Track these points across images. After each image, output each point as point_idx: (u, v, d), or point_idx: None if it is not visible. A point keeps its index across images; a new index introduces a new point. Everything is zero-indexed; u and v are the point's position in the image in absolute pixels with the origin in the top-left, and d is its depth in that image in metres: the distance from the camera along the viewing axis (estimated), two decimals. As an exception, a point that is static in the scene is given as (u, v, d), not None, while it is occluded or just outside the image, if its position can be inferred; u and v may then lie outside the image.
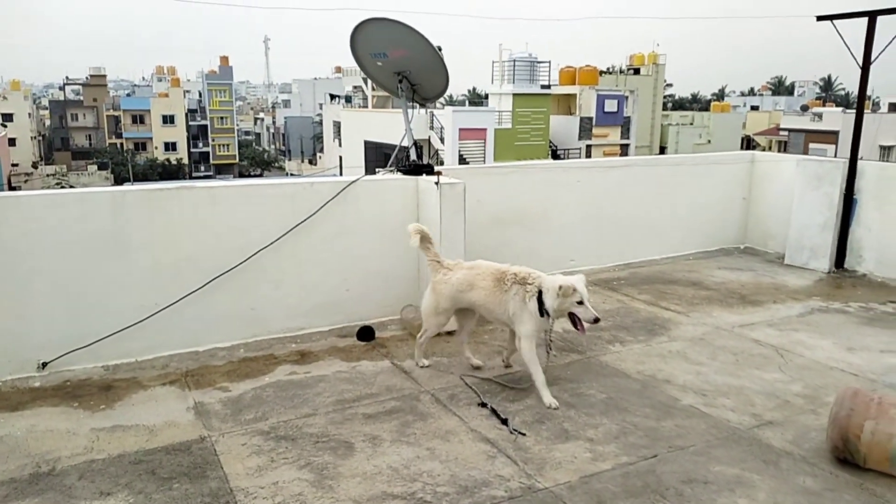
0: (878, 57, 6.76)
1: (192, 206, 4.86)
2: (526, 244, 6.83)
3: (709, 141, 52.47)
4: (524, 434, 3.73)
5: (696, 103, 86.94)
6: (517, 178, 6.86)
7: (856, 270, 7.05)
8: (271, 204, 5.12)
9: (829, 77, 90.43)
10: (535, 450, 3.59)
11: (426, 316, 4.59)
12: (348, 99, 58.38)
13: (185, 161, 68.97)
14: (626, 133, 37.86)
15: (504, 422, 3.85)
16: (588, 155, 35.19)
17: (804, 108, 55.30)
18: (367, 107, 50.18)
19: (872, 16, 6.68)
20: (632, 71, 49.50)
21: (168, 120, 68.92)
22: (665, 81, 57.41)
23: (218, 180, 32.66)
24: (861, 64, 6.79)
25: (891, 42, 6.58)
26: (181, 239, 4.82)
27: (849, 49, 6.81)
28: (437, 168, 5.67)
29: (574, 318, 4.04)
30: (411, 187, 5.51)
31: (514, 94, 34.10)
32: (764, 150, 48.71)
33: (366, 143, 33.93)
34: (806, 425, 3.85)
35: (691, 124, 55.41)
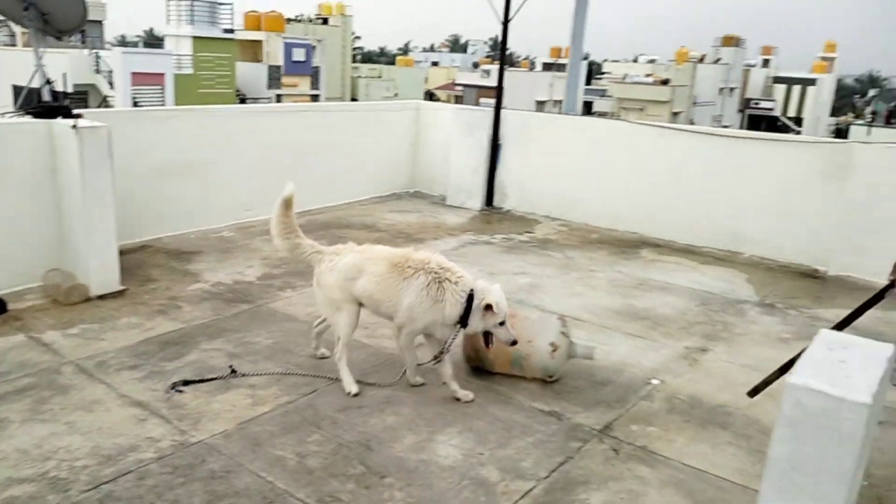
0: (515, 14, 7.61)
1: None
2: (196, 196, 6.52)
3: (396, 94, 55.01)
4: (181, 391, 3.59)
5: (383, 56, 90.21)
6: (184, 124, 6.43)
7: (502, 207, 8.03)
8: None
9: (497, 37, 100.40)
10: (191, 405, 3.47)
11: (328, 317, 3.74)
12: (-11, 35, 48.89)
13: None
14: (315, 83, 37.80)
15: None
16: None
17: (475, 66, 60.77)
18: (15, 45, 42.61)
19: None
20: (321, 20, 49.29)
21: None
22: (353, 34, 58.42)
23: None
24: (502, 20, 7.60)
25: (525, 2, 7.49)
26: None
27: (492, 7, 7.58)
28: (76, 111, 5.04)
29: (487, 336, 3.49)
30: (42, 132, 4.80)
31: (194, 38, 31.73)
32: (444, 101, 52.73)
33: (15, 87, 28.94)
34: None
35: (379, 77, 57.34)
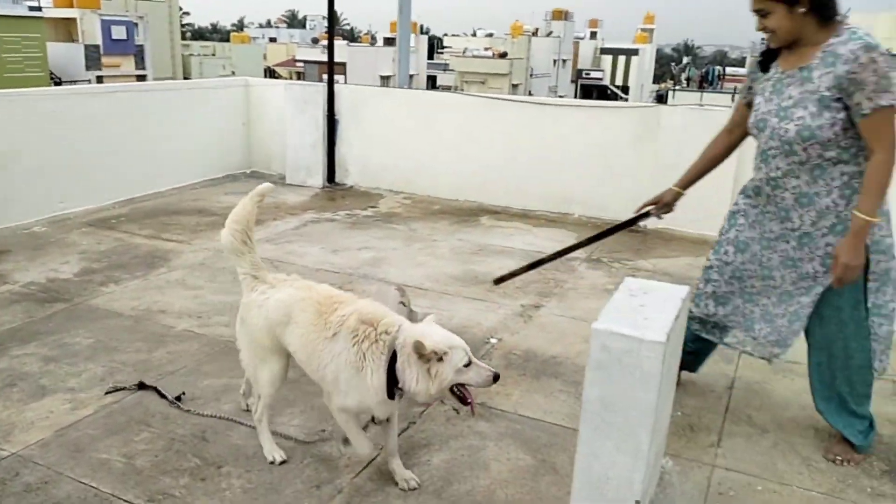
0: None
1: None
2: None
3: (233, 72, 52.43)
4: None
5: (216, 33, 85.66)
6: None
7: (344, 183, 7.95)
8: None
9: (335, 12, 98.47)
10: (2, 416, 3.16)
11: (247, 367, 2.92)
12: None
13: None
14: (141, 63, 35.16)
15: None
16: (99, 88, 31.76)
17: (315, 41, 59.30)
18: None
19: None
20: (140, -5, 45.77)
21: None
22: (181, 9, 54.90)
23: None
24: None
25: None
26: None
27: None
28: None
29: (461, 391, 2.49)
30: None
31: (-7, 16, 28.40)
32: (286, 79, 51.07)
33: None
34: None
35: (213, 55, 54.39)
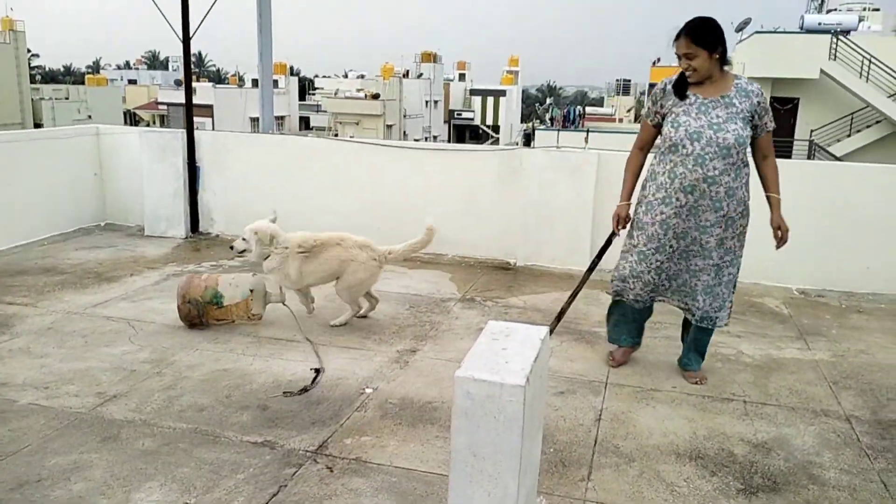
0: (195, 32, 7.26)
1: None
2: None
3: (89, 117, 49.58)
4: None
5: (70, 76, 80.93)
6: None
7: (210, 232, 7.64)
8: None
9: (200, 53, 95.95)
10: None
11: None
12: None
13: None
14: (-18, 108, 32.50)
15: None
16: (-68, 135, 28.96)
17: (178, 83, 57.36)
18: None
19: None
20: (-21, 37, 42.61)
21: None
22: (29, 51, 51.52)
23: None
24: (181, 38, 7.20)
25: (205, 16, 7.19)
26: None
27: (169, 24, 7.15)
28: None
29: None
30: None
31: None
32: (148, 124, 48.89)
33: None
34: (150, 389, 3.96)
35: (66, 98, 51.31)
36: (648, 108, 4.03)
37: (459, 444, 2.33)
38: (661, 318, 5.09)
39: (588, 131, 20.80)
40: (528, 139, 27.72)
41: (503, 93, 55.03)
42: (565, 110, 35.31)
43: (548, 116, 36.64)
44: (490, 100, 54.63)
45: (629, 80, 52.47)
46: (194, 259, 6.72)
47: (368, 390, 4.05)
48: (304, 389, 3.97)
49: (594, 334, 4.98)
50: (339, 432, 3.56)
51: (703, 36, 3.66)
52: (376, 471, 3.22)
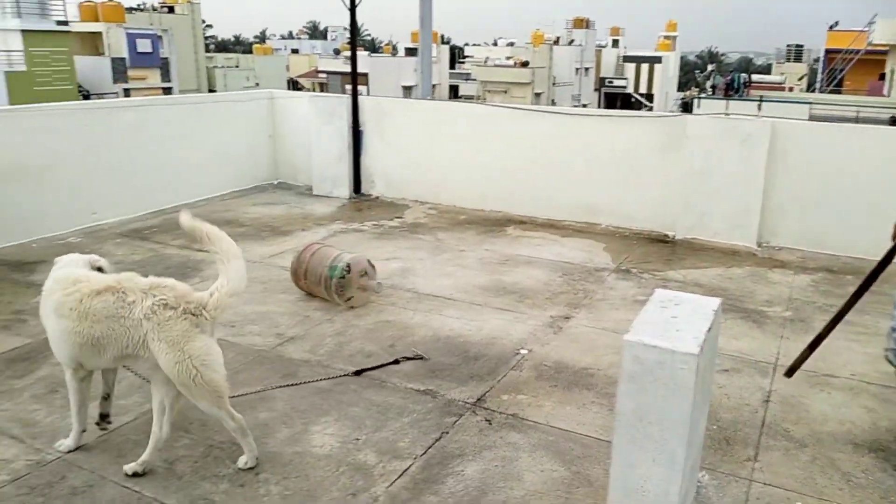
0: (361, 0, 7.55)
1: None
2: (35, 202, 6.03)
3: (257, 84, 53.09)
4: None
5: (239, 45, 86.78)
6: (12, 125, 5.91)
7: (370, 194, 8.01)
8: None
9: (357, 24, 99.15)
10: (45, 422, 3.24)
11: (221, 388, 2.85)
12: None
13: None
14: (166, 75, 35.75)
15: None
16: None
17: (336, 52, 59.83)
18: None
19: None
20: (166, 9, 46.63)
21: None
22: (204, 22, 55.74)
23: None
24: (349, 7, 7.51)
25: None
26: None
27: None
28: None
29: None
30: None
31: (24, 31, 29.06)
32: (310, 90, 51.52)
33: None
34: (322, 333, 4.28)
35: (237, 67, 55.17)
36: None
37: (625, 408, 2.33)
38: (834, 300, 4.73)
39: (762, 99, 19.32)
40: (685, 108, 26.30)
41: (658, 59, 52.40)
42: (728, 77, 32.97)
43: (709, 84, 34.49)
44: (644, 67, 52.27)
45: (801, 46, 47.99)
46: (357, 218, 7.08)
47: (523, 351, 4.12)
48: (420, 357, 4.00)
49: (760, 313, 4.72)
50: (496, 388, 3.66)
51: None
52: (533, 428, 3.30)
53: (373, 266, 4.84)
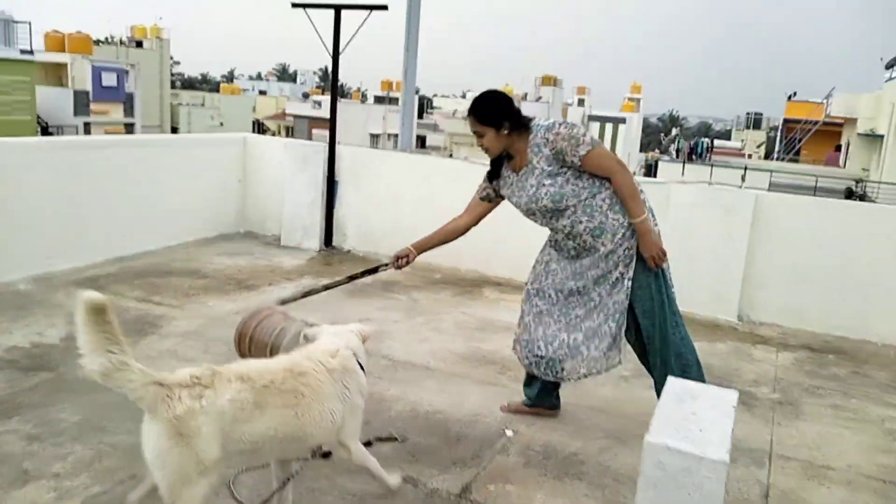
0: (345, 47, 7.42)
1: None
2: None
3: (221, 123, 52.75)
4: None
5: (206, 84, 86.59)
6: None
7: (342, 247, 7.75)
8: None
9: (326, 68, 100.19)
10: None
11: (177, 488, 2.36)
12: None
13: None
14: (129, 111, 35.25)
15: None
16: (87, 133, 31.63)
17: (305, 96, 60.07)
18: None
19: (338, 8, 7.29)
20: (134, 43, 46.34)
21: None
22: (171, 58, 55.51)
23: None
24: (331, 53, 7.38)
25: (355, 34, 7.34)
26: None
27: (320, 38, 7.35)
28: None
29: None
30: None
31: (-14, 58, 28.45)
32: (274, 133, 51.37)
33: None
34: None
35: (202, 105, 54.84)
36: (480, 186, 4.00)
37: (646, 519, 2.11)
38: (820, 381, 4.63)
39: (746, 169, 19.77)
40: (649, 170, 26.89)
41: (623, 120, 53.87)
42: (692, 142, 33.99)
43: (673, 148, 35.45)
44: (609, 126, 53.65)
45: (760, 114, 49.87)
46: (327, 273, 6.80)
47: (509, 432, 3.86)
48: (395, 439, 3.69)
49: (749, 395, 4.57)
50: (482, 476, 3.39)
51: (485, 115, 3.51)
52: (525, 526, 3.03)
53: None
